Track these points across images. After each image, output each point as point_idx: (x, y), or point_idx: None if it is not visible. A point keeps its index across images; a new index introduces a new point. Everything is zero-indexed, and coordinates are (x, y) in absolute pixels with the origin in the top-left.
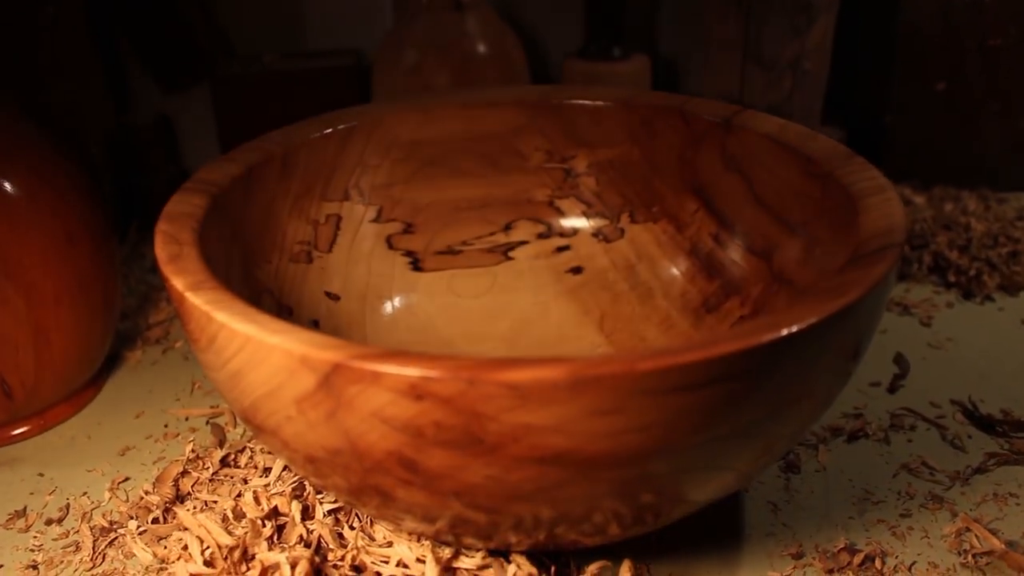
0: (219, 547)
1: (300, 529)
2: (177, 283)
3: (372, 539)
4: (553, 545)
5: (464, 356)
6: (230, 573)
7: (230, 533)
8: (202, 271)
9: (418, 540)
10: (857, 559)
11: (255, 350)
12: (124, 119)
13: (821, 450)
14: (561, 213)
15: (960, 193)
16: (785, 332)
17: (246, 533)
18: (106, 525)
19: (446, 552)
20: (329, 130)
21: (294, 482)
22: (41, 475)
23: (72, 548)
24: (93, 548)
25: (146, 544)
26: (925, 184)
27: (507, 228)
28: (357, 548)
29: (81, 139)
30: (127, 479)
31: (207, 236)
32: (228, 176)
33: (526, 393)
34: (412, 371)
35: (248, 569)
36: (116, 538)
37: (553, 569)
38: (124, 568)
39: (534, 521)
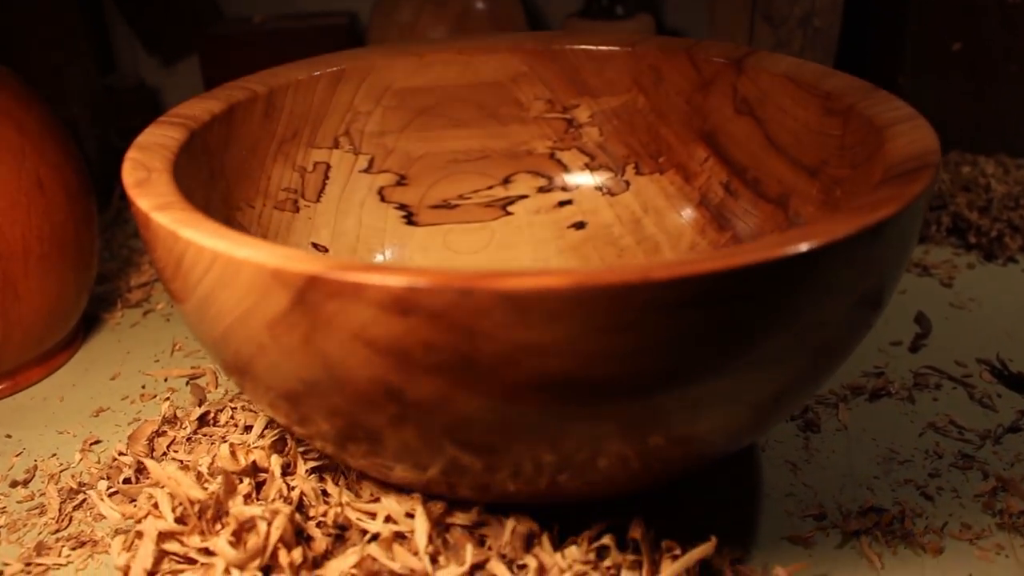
0: (191, 502)
1: (280, 484)
2: (143, 204)
3: (358, 496)
4: (555, 498)
5: (455, 268)
6: (203, 531)
7: (204, 489)
8: (172, 193)
9: (408, 495)
10: (884, 520)
11: (224, 268)
12: (108, 81)
13: (841, 408)
14: (563, 165)
15: (977, 158)
16: (814, 245)
17: (221, 489)
18: (75, 487)
19: (438, 507)
20: (317, 72)
21: (276, 435)
22: (9, 436)
23: (37, 510)
24: (59, 510)
25: (115, 504)
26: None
27: (506, 181)
28: (342, 504)
29: (63, 98)
30: (99, 441)
31: (182, 170)
32: (208, 112)
33: (526, 305)
34: (397, 281)
35: (222, 527)
36: (85, 500)
37: (556, 528)
38: (92, 530)
39: (534, 466)
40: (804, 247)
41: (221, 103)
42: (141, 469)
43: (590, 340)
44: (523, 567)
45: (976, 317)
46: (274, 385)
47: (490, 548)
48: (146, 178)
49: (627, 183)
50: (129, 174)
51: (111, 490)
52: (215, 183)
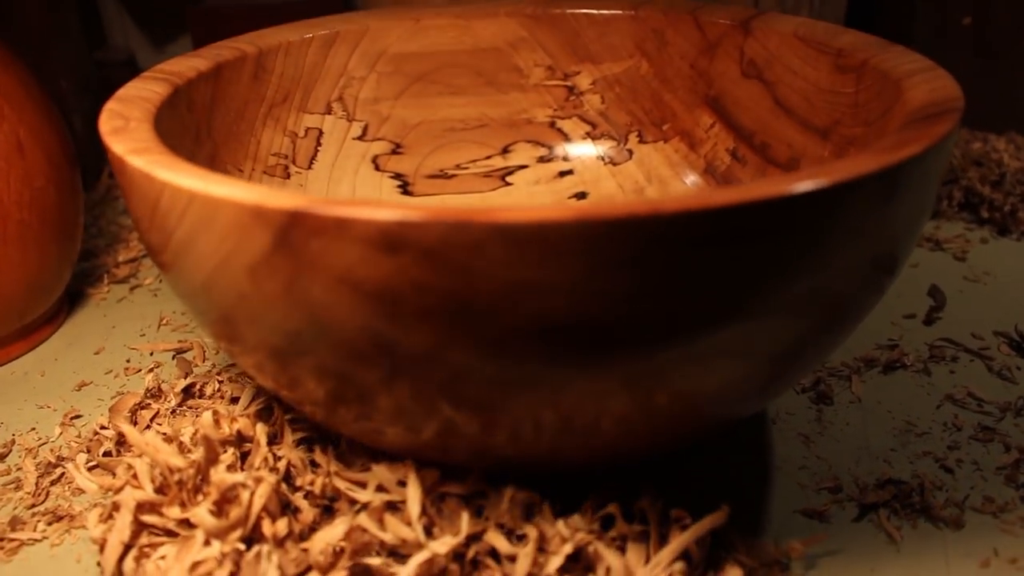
0: (171, 471)
1: (265, 453)
2: (118, 148)
3: (348, 466)
4: (557, 465)
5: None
6: (183, 502)
7: (186, 457)
8: (150, 140)
9: (401, 463)
10: (903, 492)
11: (201, 209)
12: (98, 55)
13: (854, 380)
14: (563, 134)
15: (987, 136)
16: (836, 181)
17: (202, 457)
18: (53, 461)
19: (432, 475)
20: (309, 35)
21: (262, 404)
22: None
23: (13, 485)
24: (36, 484)
25: (95, 477)
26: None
27: (505, 151)
28: (330, 474)
29: (51, 72)
30: (80, 416)
31: (164, 124)
32: (193, 69)
33: (524, 240)
34: (387, 215)
35: (204, 497)
36: (63, 474)
37: (558, 498)
38: (69, 505)
39: (534, 427)
40: (825, 183)
41: (208, 61)
42: (122, 442)
43: (593, 279)
44: (522, 537)
45: (992, 290)
46: (260, 341)
47: (487, 518)
48: (123, 126)
49: (630, 152)
50: (106, 123)
51: (90, 464)
52: (201, 143)
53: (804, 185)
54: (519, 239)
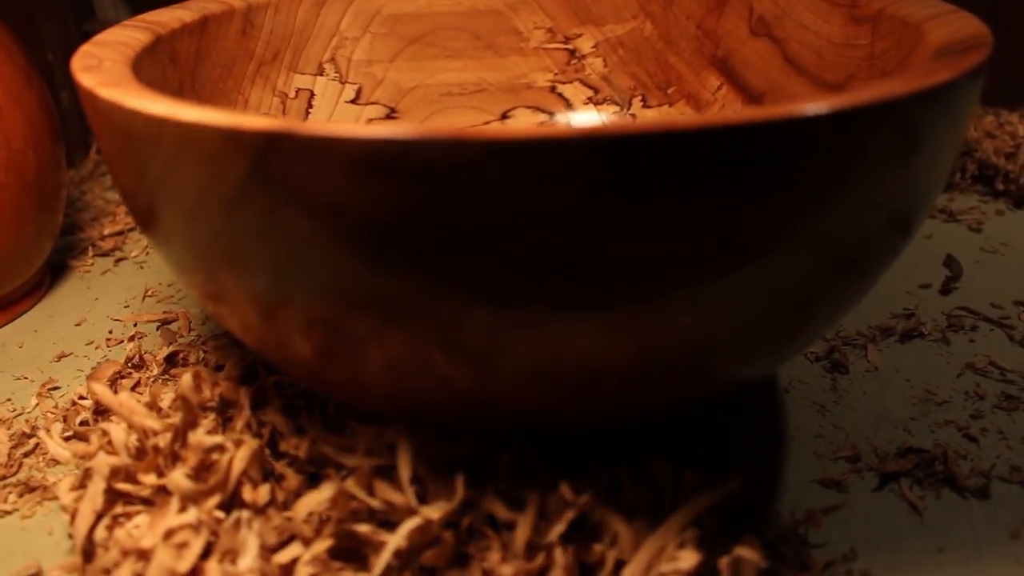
0: (146, 434)
1: (248, 416)
2: (87, 81)
3: (336, 431)
4: (560, 423)
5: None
6: (160, 468)
7: (163, 421)
8: (124, 76)
9: (391, 426)
10: (925, 461)
11: (174, 137)
12: (86, 27)
13: (871, 349)
14: (565, 100)
15: (999, 111)
16: (861, 103)
17: (181, 420)
18: (27, 431)
19: (425, 437)
20: None
21: (246, 368)
22: None
23: None
24: (8, 455)
25: (68, 446)
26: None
27: (503, 117)
28: (317, 438)
29: (38, 44)
30: (58, 387)
31: (144, 71)
32: (178, 20)
33: (525, 160)
34: (375, 132)
35: (182, 460)
36: (38, 445)
37: (561, 464)
38: (43, 476)
39: (534, 379)
40: (850, 104)
41: (193, 14)
42: (101, 411)
43: (599, 205)
44: (522, 504)
45: (1010, 261)
46: (243, 291)
47: (485, 483)
48: (96, 65)
49: (633, 117)
50: (79, 61)
51: (67, 433)
52: (184, 98)
53: (828, 107)
54: (519, 158)
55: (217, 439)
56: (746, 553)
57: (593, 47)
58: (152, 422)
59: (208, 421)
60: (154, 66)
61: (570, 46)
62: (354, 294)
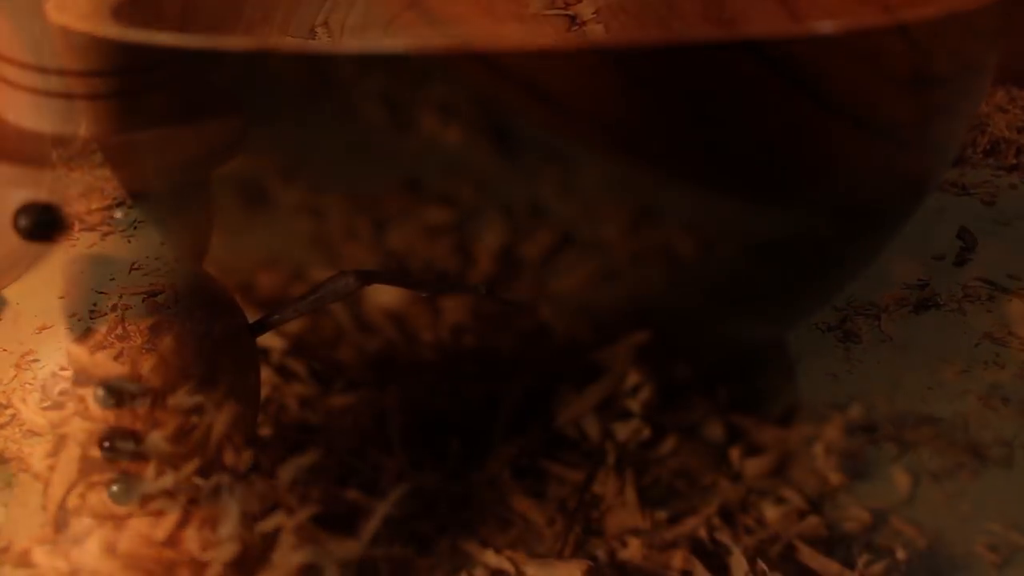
0: (124, 394)
1: (231, 378)
2: (57, 16)
3: (325, 394)
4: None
5: None
6: (139, 436)
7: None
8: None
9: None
10: (944, 430)
11: None
12: None
13: (884, 319)
14: None
15: (1010, 90)
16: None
17: (161, 380)
18: (3, 403)
19: (418, 397)
20: None
21: (232, 333)
22: None
23: None
24: None
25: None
26: None
27: None
28: (306, 401)
29: None
30: (38, 359)
31: (125, 23)
32: None
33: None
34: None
35: (161, 424)
36: (14, 415)
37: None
38: (19, 448)
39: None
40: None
41: None
42: (80, 381)
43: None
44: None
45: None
46: None
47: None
48: (71, 3)
49: None
50: (53, 11)
51: (45, 404)
52: None
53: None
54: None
55: (197, 399)
56: None
57: (594, 13)
58: (130, 384)
59: (190, 386)
60: (137, 24)
61: (570, 12)
62: None
